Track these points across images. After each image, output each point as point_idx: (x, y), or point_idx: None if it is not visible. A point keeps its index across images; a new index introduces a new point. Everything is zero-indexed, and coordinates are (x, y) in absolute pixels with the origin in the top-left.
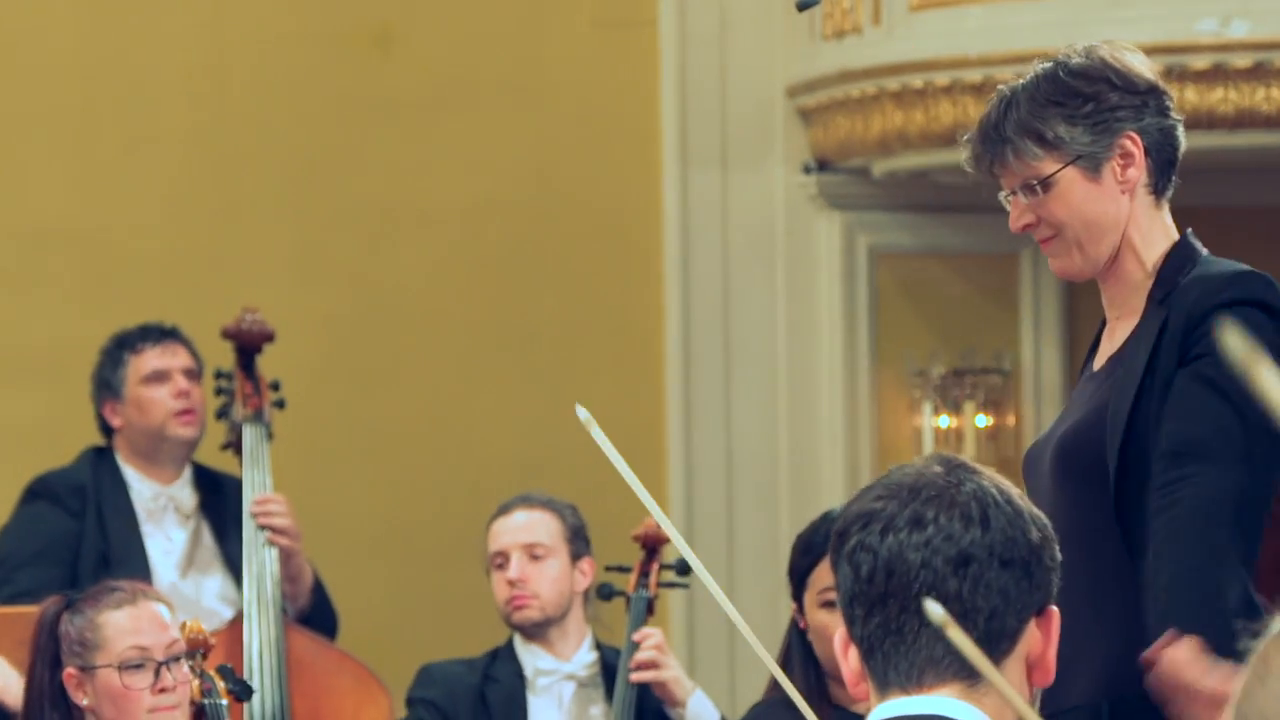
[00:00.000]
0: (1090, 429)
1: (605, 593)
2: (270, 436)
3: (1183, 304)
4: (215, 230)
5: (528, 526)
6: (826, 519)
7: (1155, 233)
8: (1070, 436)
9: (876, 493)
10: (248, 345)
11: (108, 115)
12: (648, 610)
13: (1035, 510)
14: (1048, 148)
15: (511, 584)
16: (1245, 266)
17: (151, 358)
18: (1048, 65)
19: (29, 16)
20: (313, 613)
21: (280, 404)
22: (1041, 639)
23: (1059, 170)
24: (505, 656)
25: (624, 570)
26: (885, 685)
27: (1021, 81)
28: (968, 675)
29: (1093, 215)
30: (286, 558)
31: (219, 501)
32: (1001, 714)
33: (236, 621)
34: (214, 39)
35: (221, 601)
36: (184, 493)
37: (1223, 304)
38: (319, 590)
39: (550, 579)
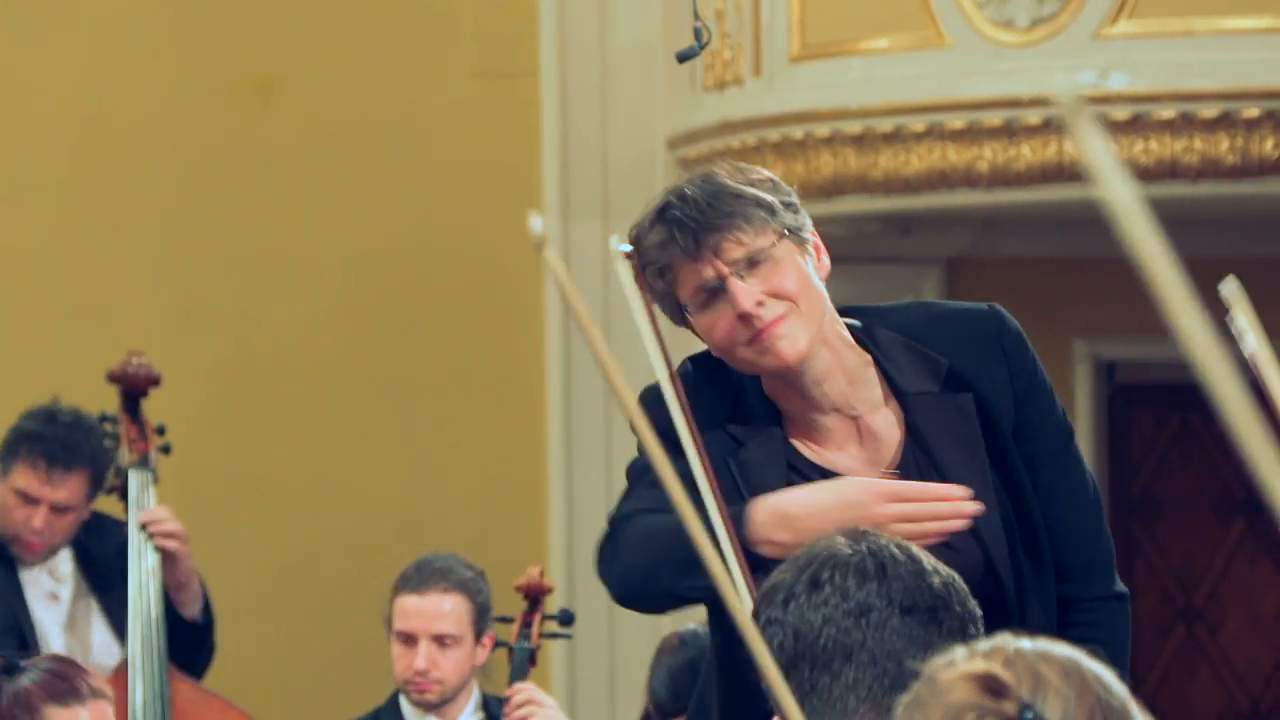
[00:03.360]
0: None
1: None
2: (156, 480)
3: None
4: (95, 278)
5: (440, 614)
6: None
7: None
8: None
9: (781, 568)
10: (133, 389)
11: None
12: (530, 661)
13: (940, 564)
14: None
15: (418, 672)
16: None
17: (32, 478)
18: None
19: None
20: (203, 622)
21: (166, 449)
22: None
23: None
24: (388, 716)
25: (506, 621)
26: None
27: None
28: (883, 714)
29: (814, 289)
30: (174, 562)
31: (100, 552)
32: None
33: (120, 671)
34: (94, 88)
35: (104, 652)
36: (57, 559)
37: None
38: (206, 603)
39: (455, 664)
